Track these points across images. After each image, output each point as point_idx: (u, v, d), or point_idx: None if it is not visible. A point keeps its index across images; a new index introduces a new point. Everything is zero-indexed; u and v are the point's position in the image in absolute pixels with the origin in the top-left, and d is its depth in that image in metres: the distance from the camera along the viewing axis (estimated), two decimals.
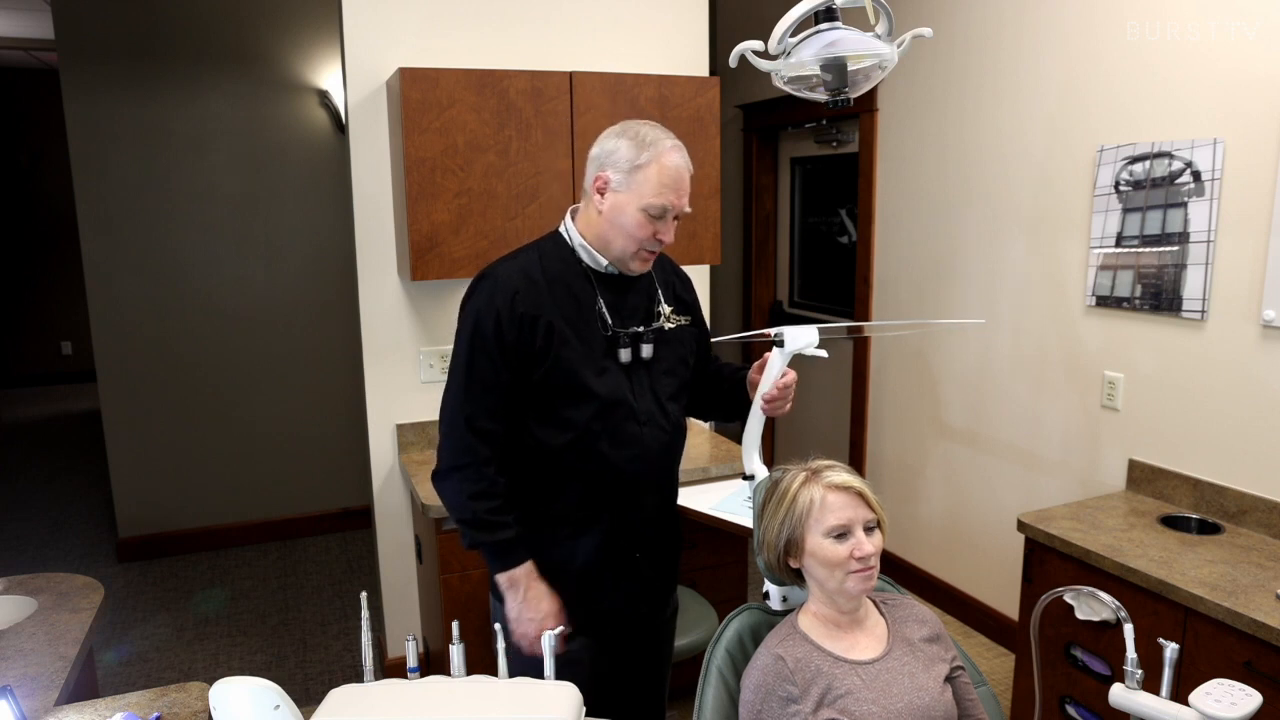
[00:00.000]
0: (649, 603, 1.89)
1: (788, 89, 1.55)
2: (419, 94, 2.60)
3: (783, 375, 1.77)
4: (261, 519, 4.60)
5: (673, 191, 1.67)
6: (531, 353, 1.68)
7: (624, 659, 1.92)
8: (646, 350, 1.78)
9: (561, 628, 1.73)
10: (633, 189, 1.66)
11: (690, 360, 1.90)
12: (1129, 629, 1.38)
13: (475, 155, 2.68)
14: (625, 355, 1.75)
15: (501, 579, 1.74)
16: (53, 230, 8.05)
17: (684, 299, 1.92)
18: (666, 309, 1.84)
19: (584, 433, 1.72)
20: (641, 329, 1.78)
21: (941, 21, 3.38)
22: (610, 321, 1.75)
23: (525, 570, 1.73)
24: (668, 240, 1.71)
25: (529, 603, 1.73)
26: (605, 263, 1.75)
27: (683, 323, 1.86)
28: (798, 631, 1.48)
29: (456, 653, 1.30)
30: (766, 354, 1.80)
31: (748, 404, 1.88)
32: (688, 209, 1.72)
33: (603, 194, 1.69)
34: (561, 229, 1.79)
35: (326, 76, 4.39)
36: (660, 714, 2.05)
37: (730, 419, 2.05)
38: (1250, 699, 1.27)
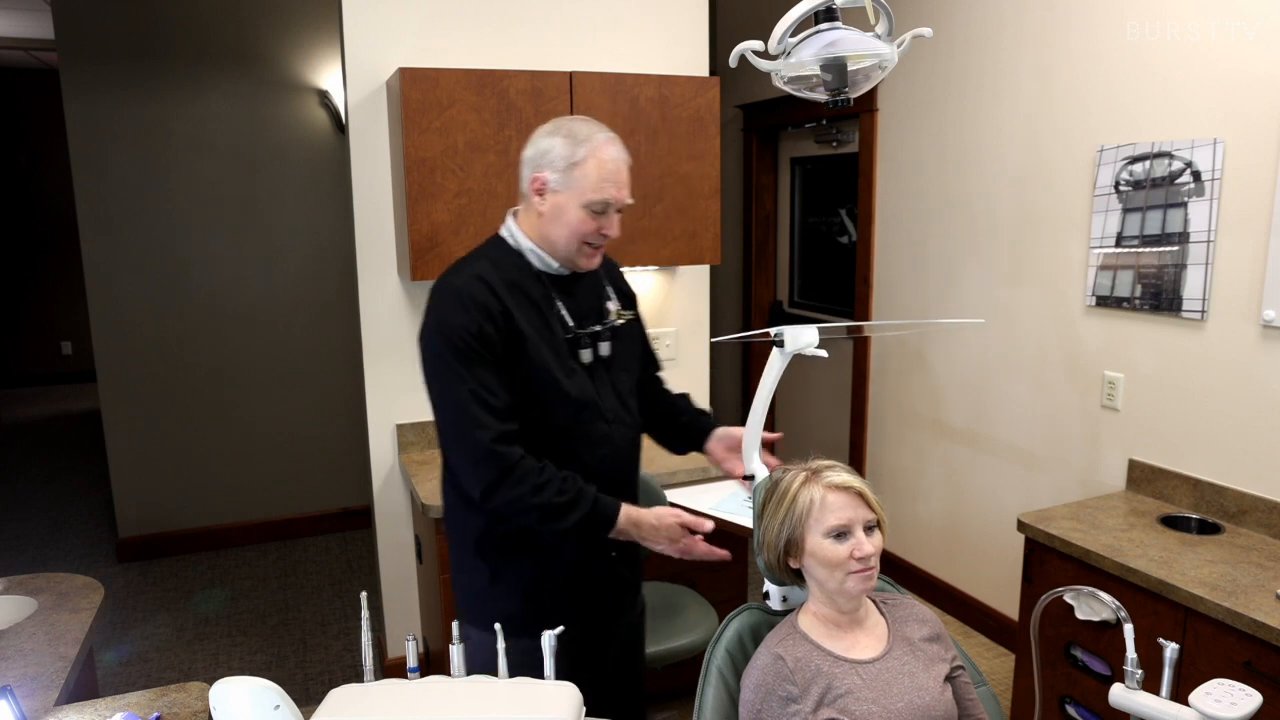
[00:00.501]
0: (625, 601, 1.89)
1: (788, 89, 1.54)
2: (419, 94, 2.60)
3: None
4: (261, 519, 4.60)
5: (613, 185, 1.66)
6: (512, 353, 1.66)
7: (603, 660, 1.90)
8: (605, 348, 1.78)
9: (709, 524, 1.71)
10: (572, 187, 1.64)
11: (639, 355, 1.91)
12: (1129, 629, 1.38)
13: (475, 155, 2.68)
14: (587, 355, 1.75)
15: (617, 534, 1.70)
16: (53, 230, 8.05)
17: (627, 294, 1.92)
18: (615, 305, 1.84)
19: (559, 435, 1.70)
20: (599, 328, 1.78)
21: (941, 21, 3.38)
22: (570, 323, 1.74)
23: (625, 513, 1.68)
24: (613, 234, 1.70)
25: (654, 530, 1.69)
26: (555, 264, 1.73)
27: (629, 318, 1.86)
28: (798, 631, 1.48)
29: (456, 653, 1.30)
30: (737, 429, 1.83)
31: (696, 443, 1.93)
32: (629, 200, 1.70)
33: (541, 195, 1.67)
34: (504, 233, 1.76)
35: (326, 76, 4.39)
36: (641, 714, 2.05)
37: (675, 450, 2.04)
38: (1250, 699, 1.27)
